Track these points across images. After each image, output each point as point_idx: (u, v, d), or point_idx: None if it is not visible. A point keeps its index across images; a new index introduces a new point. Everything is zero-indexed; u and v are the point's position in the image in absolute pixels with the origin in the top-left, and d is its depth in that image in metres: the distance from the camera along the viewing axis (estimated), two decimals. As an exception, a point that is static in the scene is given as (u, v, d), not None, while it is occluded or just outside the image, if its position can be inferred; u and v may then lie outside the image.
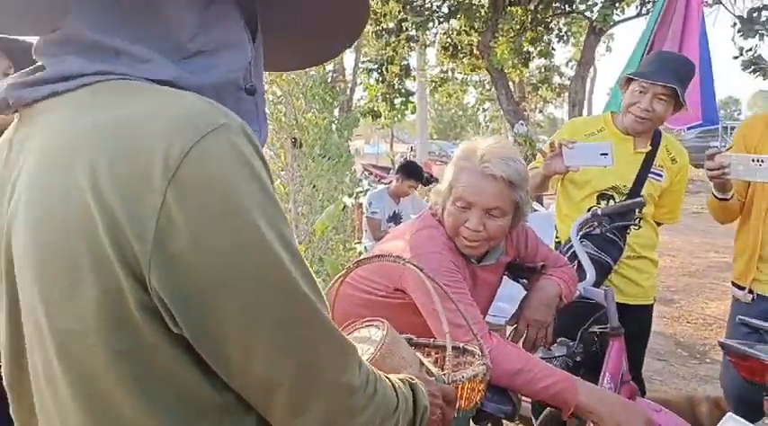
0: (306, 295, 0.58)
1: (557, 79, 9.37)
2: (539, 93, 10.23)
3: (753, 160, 1.91)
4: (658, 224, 2.42)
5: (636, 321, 2.32)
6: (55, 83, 0.58)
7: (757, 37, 5.08)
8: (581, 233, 2.17)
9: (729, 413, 1.69)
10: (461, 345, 1.35)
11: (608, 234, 2.14)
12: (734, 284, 2.30)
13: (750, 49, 5.38)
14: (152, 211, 0.50)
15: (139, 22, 0.59)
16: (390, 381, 0.73)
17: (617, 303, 2.22)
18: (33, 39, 0.65)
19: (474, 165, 1.52)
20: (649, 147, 2.27)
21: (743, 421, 1.64)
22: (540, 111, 18.14)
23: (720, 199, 2.12)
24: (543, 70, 9.37)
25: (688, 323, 5.21)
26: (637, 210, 2.24)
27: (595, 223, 2.16)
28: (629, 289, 2.30)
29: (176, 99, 0.55)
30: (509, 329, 2.70)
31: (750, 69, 5.32)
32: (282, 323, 0.57)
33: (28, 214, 0.56)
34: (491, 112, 21.21)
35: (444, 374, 1.09)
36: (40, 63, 0.61)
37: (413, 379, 0.81)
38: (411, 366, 1.10)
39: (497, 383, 1.39)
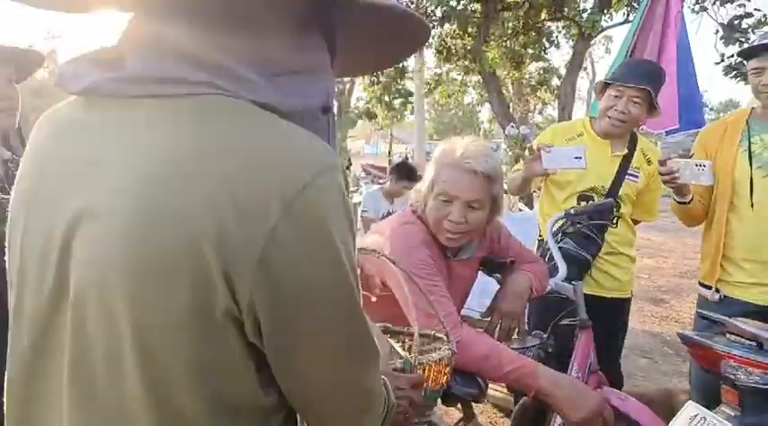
0: (364, 320, 0.66)
1: (555, 81, 9.44)
2: (537, 94, 10.32)
3: (696, 165, 2.03)
4: (636, 222, 2.53)
5: (614, 314, 2.45)
6: (158, 84, 0.58)
7: (737, 44, 5.22)
8: (561, 232, 2.29)
9: (690, 401, 1.80)
10: (432, 332, 1.45)
11: (585, 231, 2.25)
12: (701, 284, 2.36)
13: (732, 56, 5.52)
14: (263, 234, 0.55)
15: (237, 38, 0.59)
16: (384, 382, 0.84)
17: (596, 296, 2.36)
18: (36, 47, 0.71)
19: (455, 162, 1.62)
20: (626, 151, 2.38)
21: (701, 407, 1.75)
22: (540, 113, 18.21)
23: (680, 203, 2.21)
24: (542, 72, 9.46)
25: (676, 322, 5.31)
26: (614, 210, 2.36)
27: (569, 221, 2.27)
28: (607, 283, 2.41)
29: (291, 134, 0.59)
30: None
31: (731, 74, 5.45)
32: (346, 345, 0.65)
33: (127, 216, 0.56)
34: (491, 113, 21.30)
35: (411, 357, 1.19)
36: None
37: (384, 379, 0.91)
38: (381, 349, 1.21)
39: (467, 367, 1.49)
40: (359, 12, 0.63)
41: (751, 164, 2.14)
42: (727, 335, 1.77)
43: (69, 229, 0.60)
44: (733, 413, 1.68)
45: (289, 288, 0.57)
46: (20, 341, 0.67)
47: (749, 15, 5.42)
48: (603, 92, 2.38)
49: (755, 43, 2.11)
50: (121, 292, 0.57)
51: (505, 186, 2.67)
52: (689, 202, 2.19)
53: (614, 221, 2.39)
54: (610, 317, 2.40)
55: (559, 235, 2.28)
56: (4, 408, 0.71)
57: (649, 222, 2.65)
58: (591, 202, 2.33)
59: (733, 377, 1.66)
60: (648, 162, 2.41)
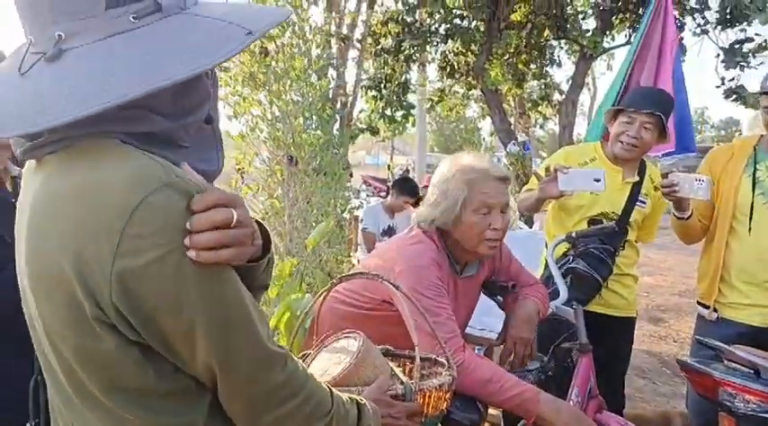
0: (242, 315, 0.73)
1: (557, 96, 9.50)
2: (539, 109, 10.37)
3: (695, 180, 2.08)
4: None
5: (620, 333, 2.48)
6: (55, 144, 0.72)
7: (738, 68, 5.28)
8: (574, 254, 2.30)
9: (688, 427, 1.81)
10: (433, 357, 1.47)
11: (598, 253, 2.27)
12: (699, 303, 2.42)
13: (732, 79, 5.58)
14: (111, 252, 0.65)
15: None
16: (330, 390, 0.88)
17: (602, 314, 2.39)
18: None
19: (484, 174, 1.69)
20: (637, 178, 2.42)
21: (700, 435, 1.76)
22: (541, 127, 18.27)
23: (679, 218, 2.25)
24: (543, 87, 9.52)
25: (674, 342, 5.31)
26: (624, 235, 2.38)
27: (570, 244, 2.29)
28: (613, 301, 2.44)
29: (132, 160, 0.69)
30: (496, 349, 2.82)
31: (732, 98, 5.51)
32: (212, 333, 0.71)
33: (28, 237, 0.74)
34: (491, 128, 21.36)
35: (412, 382, 1.21)
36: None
37: (362, 400, 0.95)
38: (383, 374, 1.22)
39: (469, 391, 1.51)
40: None
41: (753, 190, 2.21)
42: (726, 362, 1.79)
43: (19, 262, 0.78)
44: (730, 441, 1.70)
45: (143, 294, 0.67)
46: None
47: (750, 40, 5.49)
48: (615, 118, 2.42)
49: None
50: (33, 304, 0.75)
51: (514, 204, 2.70)
52: (688, 218, 2.24)
53: (623, 246, 2.42)
54: (616, 336, 2.44)
55: (572, 255, 2.30)
56: None
57: (650, 242, 2.69)
58: (592, 226, 2.36)
59: (730, 404, 1.68)
60: (655, 188, 2.45)
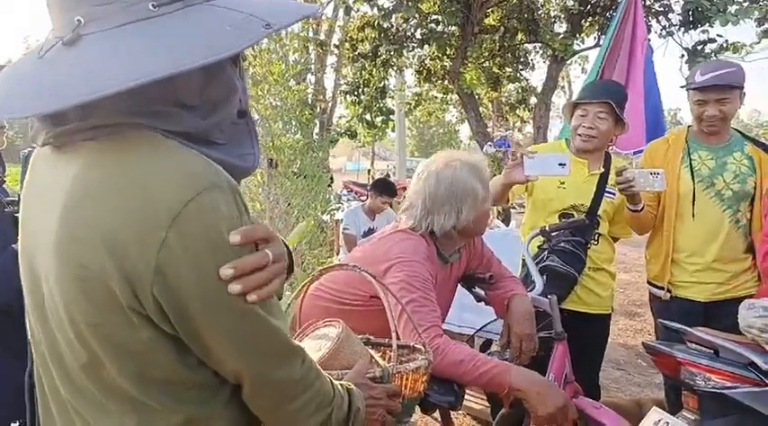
0: (262, 317, 0.76)
1: (534, 100, 9.65)
2: (516, 112, 10.52)
3: (651, 173, 2.22)
4: (615, 239, 2.66)
5: (595, 329, 2.56)
6: (90, 131, 0.72)
7: (701, 68, 5.46)
8: (547, 249, 2.39)
9: (654, 407, 1.91)
10: (412, 344, 1.54)
11: (570, 247, 2.36)
12: (650, 283, 2.62)
13: (696, 80, 5.75)
14: (156, 246, 0.67)
15: (157, 94, 0.72)
16: (330, 380, 0.94)
17: (579, 312, 2.46)
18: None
19: (477, 170, 1.84)
20: (602, 169, 2.51)
21: (664, 413, 1.86)
22: (519, 130, 18.49)
23: (633, 211, 2.38)
24: (520, 91, 9.66)
25: (650, 335, 5.43)
26: (594, 227, 2.47)
27: (545, 237, 2.38)
28: (589, 299, 2.52)
29: (179, 155, 0.71)
30: (477, 340, 2.91)
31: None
32: (243, 337, 0.76)
33: (60, 232, 0.71)
34: (470, 131, 21.51)
35: (390, 366, 1.28)
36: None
37: (350, 386, 1.01)
38: (362, 358, 1.29)
39: (445, 373, 1.59)
40: None
41: (693, 179, 2.41)
42: (687, 343, 1.89)
43: (33, 248, 0.79)
44: (693, 417, 1.80)
45: (183, 290, 0.69)
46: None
47: (712, 41, 5.69)
48: (572, 114, 2.54)
49: (698, 79, 2.36)
50: (59, 295, 0.73)
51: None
52: (641, 210, 2.37)
53: (596, 238, 2.51)
54: (591, 333, 2.51)
55: (545, 252, 2.38)
56: None
57: (627, 238, 2.77)
58: (564, 220, 2.45)
59: (692, 382, 1.77)
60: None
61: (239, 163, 0.79)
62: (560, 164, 2.18)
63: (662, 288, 2.50)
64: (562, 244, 2.37)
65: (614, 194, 2.51)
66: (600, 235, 2.51)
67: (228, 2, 0.73)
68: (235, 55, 0.74)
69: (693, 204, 2.41)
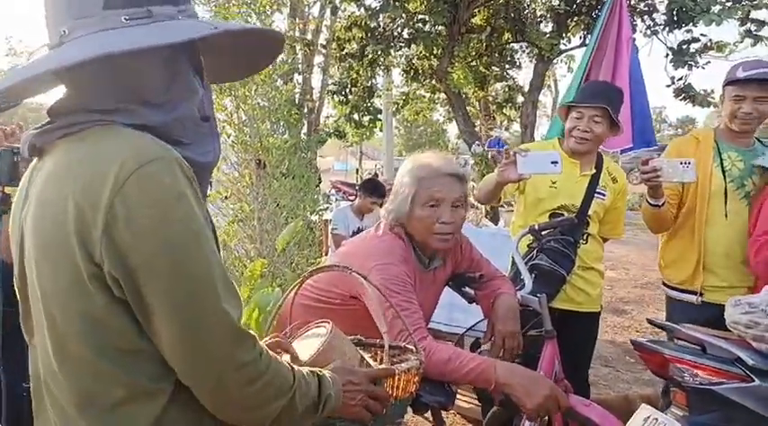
0: (209, 290, 0.81)
1: (521, 98, 9.71)
2: (503, 111, 10.56)
3: (681, 163, 2.17)
4: (604, 239, 2.66)
5: (584, 327, 2.57)
6: (64, 129, 0.85)
7: (686, 67, 5.55)
8: (536, 248, 2.39)
9: (643, 404, 1.93)
10: (403, 344, 1.54)
11: (560, 247, 2.36)
12: (675, 288, 2.50)
13: (680, 78, 5.86)
14: (103, 212, 0.76)
15: (122, 90, 0.85)
16: (292, 367, 0.95)
17: (568, 311, 2.47)
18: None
19: (434, 170, 1.77)
20: (594, 170, 2.52)
21: (654, 409, 1.88)
22: (506, 129, 18.58)
23: (653, 206, 2.34)
24: (507, 90, 9.71)
25: (637, 332, 5.49)
26: (583, 226, 2.48)
27: (533, 236, 2.39)
28: (578, 298, 2.53)
29: (134, 137, 0.81)
30: (467, 340, 2.91)
31: (681, 97, 5.78)
32: (185, 305, 0.79)
33: (33, 214, 0.84)
34: (457, 130, 21.55)
35: (382, 366, 1.27)
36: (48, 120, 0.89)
37: (322, 372, 1.02)
38: (351, 360, 1.29)
39: (433, 373, 1.58)
40: (225, 38, 0.89)
41: (725, 178, 2.36)
42: (675, 340, 1.91)
43: (20, 226, 0.90)
44: (682, 413, 1.81)
45: (129, 253, 0.77)
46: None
47: (696, 40, 5.77)
48: (567, 115, 2.54)
49: (741, 75, 2.29)
50: (33, 267, 0.85)
51: (475, 194, 2.77)
52: (661, 205, 2.34)
53: (585, 238, 2.51)
54: (581, 331, 2.53)
55: (535, 251, 2.38)
56: None
57: (617, 238, 2.77)
58: (553, 219, 2.45)
59: (680, 378, 1.79)
60: (614, 180, 2.56)
61: (201, 159, 0.89)
62: (552, 162, 2.20)
63: (694, 293, 2.42)
64: (552, 243, 2.37)
65: (604, 195, 2.52)
66: (589, 234, 2.52)
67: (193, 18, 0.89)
68: (186, 48, 0.87)
69: (726, 203, 2.36)
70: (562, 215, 2.48)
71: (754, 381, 1.67)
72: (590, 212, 2.48)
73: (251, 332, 0.88)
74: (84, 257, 0.77)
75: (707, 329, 1.89)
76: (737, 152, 2.40)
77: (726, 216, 2.36)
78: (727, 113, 2.38)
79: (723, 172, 2.37)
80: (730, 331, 1.82)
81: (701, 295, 2.40)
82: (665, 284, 2.59)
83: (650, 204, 2.35)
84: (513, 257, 2.53)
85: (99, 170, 0.77)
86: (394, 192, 1.84)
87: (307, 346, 1.31)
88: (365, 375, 1.13)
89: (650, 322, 2.02)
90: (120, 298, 0.79)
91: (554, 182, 2.45)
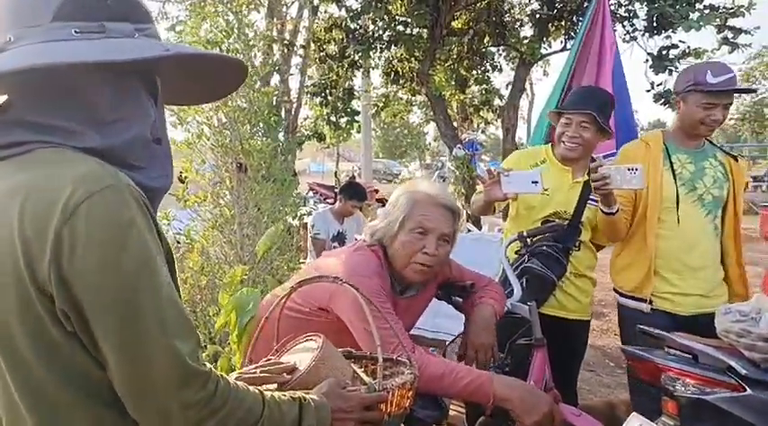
0: (158, 326, 0.77)
1: (497, 101, 9.77)
2: (480, 114, 10.61)
3: (628, 169, 2.13)
4: (598, 247, 2.63)
5: (574, 335, 2.55)
6: (6, 149, 0.80)
7: (666, 72, 5.64)
8: (528, 252, 2.36)
9: (634, 413, 1.91)
10: (394, 357, 1.49)
11: (552, 252, 2.34)
12: (625, 295, 2.46)
13: (660, 84, 5.97)
14: (52, 241, 0.73)
15: (69, 106, 0.81)
16: (262, 397, 0.91)
17: (559, 317, 2.45)
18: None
19: (429, 198, 1.73)
20: (587, 177, 2.45)
21: (644, 419, 1.85)
22: (483, 132, 18.71)
23: (607, 214, 2.31)
24: (484, 92, 9.76)
25: (616, 335, 5.52)
26: (578, 234, 2.45)
27: (522, 243, 2.36)
28: (570, 305, 2.51)
29: (83, 163, 0.78)
30: (451, 346, 2.88)
31: (660, 101, 5.88)
32: (132, 342, 0.77)
33: None
34: (436, 132, 21.67)
35: (376, 382, 1.22)
36: None
37: (305, 399, 0.98)
38: (344, 375, 1.23)
39: (426, 389, 1.54)
40: (184, 59, 0.88)
41: (676, 182, 2.33)
42: (666, 349, 1.89)
43: None
44: (673, 423, 1.80)
45: (76, 287, 0.74)
46: None
47: (675, 47, 5.86)
48: (557, 120, 2.52)
49: (712, 81, 2.22)
50: None
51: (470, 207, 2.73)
52: (615, 213, 2.30)
53: (577, 245, 2.49)
54: (571, 338, 2.51)
55: (526, 255, 2.36)
56: None
57: (609, 245, 2.71)
58: (542, 225, 2.43)
59: (672, 388, 1.78)
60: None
61: (154, 184, 0.87)
62: (533, 182, 2.23)
63: (643, 301, 2.38)
64: (543, 248, 2.35)
65: (597, 201, 2.47)
66: (581, 242, 2.50)
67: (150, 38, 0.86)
68: (138, 68, 0.83)
69: (678, 208, 2.32)
70: (554, 222, 2.45)
71: (746, 390, 1.67)
72: (582, 218, 2.46)
73: (205, 368, 0.83)
74: (35, 290, 0.75)
75: (698, 337, 1.87)
76: (687, 153, 2.38)
77: (678, 221, 2.32)
78: (692, 119, 2.31)
79: (674, 176, 2.34)
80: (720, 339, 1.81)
81: (651, 302, 2.36)
82: (615, 291, 2.56)
83: (604, 212, 2.32)
84: (512, 264, 2.52)
85: (47, 197, 0.74)
86: (385, 212, 1.80)
87: (297, 361, 1.25)
88: (359, 401, 1.08)
89: (642, 331, 2.00)
90: (69, 331, 0.77)
91: (546, 189, 2.42)
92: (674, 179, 2.33)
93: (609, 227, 2.40)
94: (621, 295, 2.50)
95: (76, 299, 0.74)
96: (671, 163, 2.35)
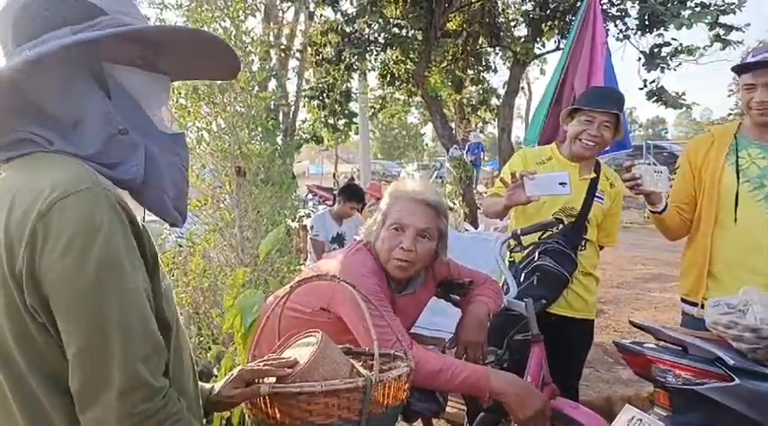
0: (113, 327, 0.80)
1: (495, 101, 9.81)
2: (478, 113, 10.65)
3: (654, 171, 2.08)
4: (600, 248, 2.65)
5: (580, 334, 2.56)
6: (11, 151, 0.89)
7: (659, 69, 5.69)
8: (539, 251, 2.38)
9: (627, 405, 1.95)
10: (392, 352, 1.53)
11: (562, 248, 2.35)
12: (684, 300, 2.32)
13: (653, 81, 6.01)
14: (26, 240, 0.79)
15: (28, 114, 0.88)
16: None
17: (565, 317, 2.47)
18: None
19: (407, 194, 1.76)
20: (593, 174, 2.51)
21: (637, 410, 1.90)
22: (481, 131, 18.74)
23: (653, 212, 2.23)
24: (481, 92, 9.80)
25: (615, 331, 5.57)
26: (583, 232, 2.47)
27: (516, 241, 2.40)
28: (576, 304, 2.51)
29: (65, 167, 0.84)
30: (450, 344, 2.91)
31: (653, 99, 5.92)
32: (87, 339, 0.80)
33: None
34: (433, 133, 21.68)
35: (372, 374, 1.27)
36: None
37: None
38: (342, 369, 1.28)
39: (424, 384, 1.58)
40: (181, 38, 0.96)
41: (738, 179, 2.15)
42: (657, 341, 1.94)
43: None
44: (665, 414, 1.83)
45: (43, 285, 0.79)
46: None
47: (667, 44, 5.92)
48: (571, 117, 2.49)
49: (750, 60, 2.10)
50: None
51: (481, 208, 2.76)
52: (662, 211, 2.22)
53: (583, 244, 2.51)
54: (576, 337, 2.52)
55: (537, 253, 2.37)
56: None
57: (611, 246, 2.75)
58: (571, 222, 2.46)
59: (663, 379, 1.82)
60: (611, 185, 2.56)
61: (128, 177, 0.90)
62: (561, 183, 2.20)
63: (695, 305, 2.22)
64: (553, 245, 2.36)
65: (603, 199, 2.52)
66: (587, 240, 2.52)
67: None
68: (75, 57, 0.87)
69: (736, 207, 2.12)
70: (562, 219, 2.47)
71: (734, 380, 1.70)
72: (589, 215, 2.47)
73: (158, 382, 0.84)
74: (14, 284, 0.80)
75: (687, 330, 1.91)
76: (761, 148, 2.16)
77: (735, 220, 2.13)
78: (743, 105, 2.17)
79: (738, 171, 2.15)
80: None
81: (702, 306, 2.14)
82: (681, 296, 2.38)
83: (651, 211, 2.29)
84: (512, 262, 2.54)
85: (30, 196, 0.81)
86: (376, 212, 1.85)
87: (297, 356, 1.30)
88: None
89: (632, 323, 2.04)
90: (41, 323, 0.81)
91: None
92: (738, 174, 2.15)
93: (658, 224, 2.34)
94: (681, 298, 2.37)
95: (43, 294, 0.79)
96: (737, 157, 2.17)
